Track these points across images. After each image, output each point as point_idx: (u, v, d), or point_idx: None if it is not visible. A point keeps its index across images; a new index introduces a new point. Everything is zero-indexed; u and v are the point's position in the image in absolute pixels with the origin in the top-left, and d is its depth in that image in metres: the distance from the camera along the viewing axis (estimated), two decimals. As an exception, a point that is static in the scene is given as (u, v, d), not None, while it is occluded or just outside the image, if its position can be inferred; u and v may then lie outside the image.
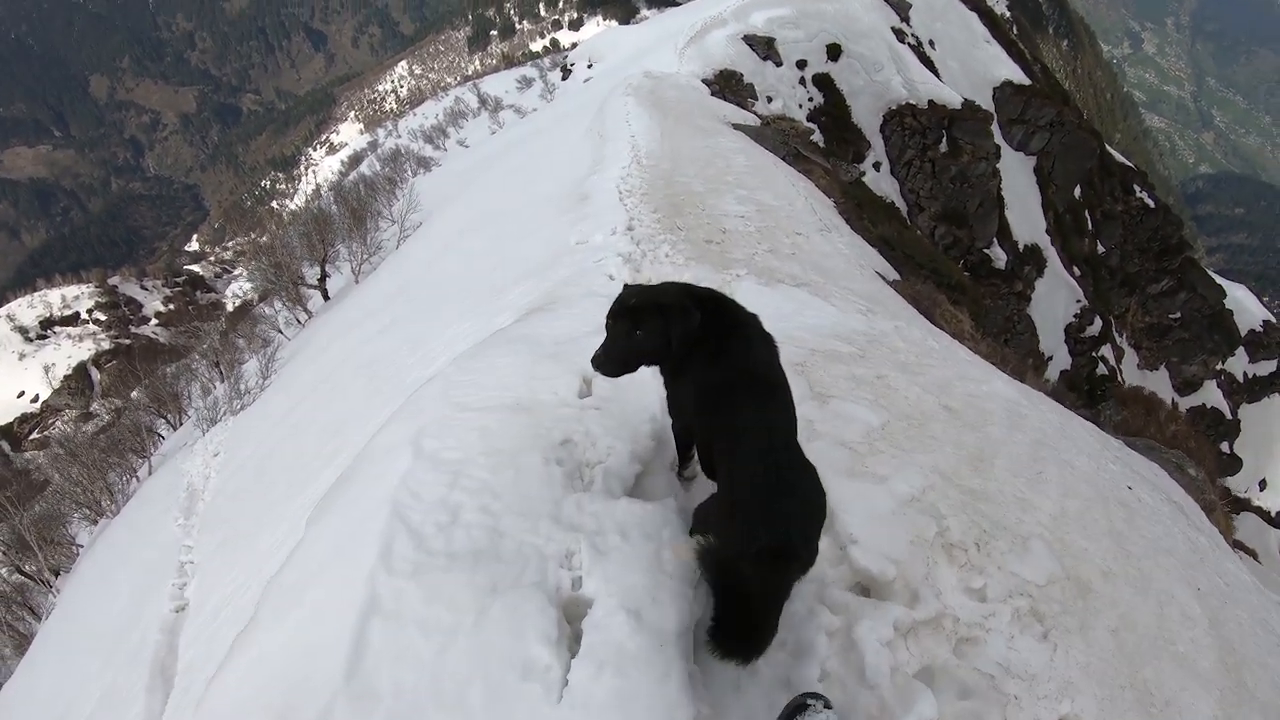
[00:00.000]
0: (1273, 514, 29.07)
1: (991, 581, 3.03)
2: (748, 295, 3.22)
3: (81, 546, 18.14)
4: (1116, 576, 3.33)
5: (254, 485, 9.41)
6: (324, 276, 23.16)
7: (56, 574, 17.64)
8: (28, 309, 61.46)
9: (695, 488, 3.36)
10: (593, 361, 2.77)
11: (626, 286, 2.91)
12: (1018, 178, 28.34)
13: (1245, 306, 42.21)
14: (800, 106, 21.95)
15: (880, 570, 2.96)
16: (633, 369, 2.83)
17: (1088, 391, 27.37)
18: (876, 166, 23.48)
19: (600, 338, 2.78)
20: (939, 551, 3.13)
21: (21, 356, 56.83)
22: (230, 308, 51.33)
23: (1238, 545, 15.29)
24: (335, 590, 2.71)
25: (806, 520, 2.45)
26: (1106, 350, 30.30)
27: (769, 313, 5.23)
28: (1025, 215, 28.21)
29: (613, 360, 2.75)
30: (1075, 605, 3.05)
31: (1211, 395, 38.43)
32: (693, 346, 2.74)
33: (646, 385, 3.57)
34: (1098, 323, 29.47)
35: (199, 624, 6.52)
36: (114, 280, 66.94)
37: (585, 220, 8.53)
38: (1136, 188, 37.28)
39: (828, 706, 2.35)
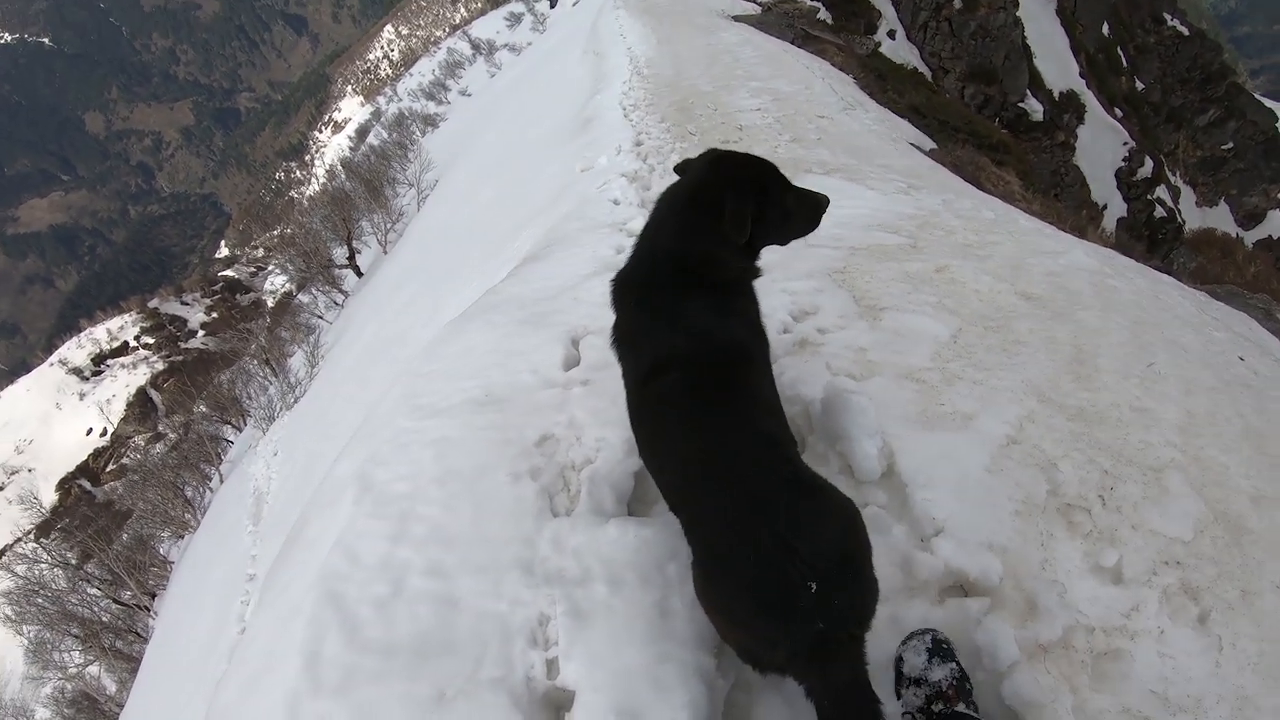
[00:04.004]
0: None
1: (1128, 551, 2.21)
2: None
3: (172, 564, 18.59)
4: (1268, 500, 2.44)
5: (304, 489, 9.17)
6: (352, 254, 23.44)
7: (153, 596, 18.11)
8: (77, 350, 62.56)
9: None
10: None
11: None
12: (1041, 23, 26.65)
13: (1302, 128, 39.69)
14: (802, -14, 20.74)
15: (981, 569, 2.14)
16: None
17: (1148, 237, 26.15)
18: (891, 35, 22.23)
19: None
20: (1054, 519, 2.30)
21: (82, 396, 58.09)
22: (271, 303, 51.66)
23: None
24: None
25: (836, 583, 1.66)
26: (1162, 191, 28.76)
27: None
28: (1055, 61, 26.59)
29: None
30: (1232, 561, 2.21)
31: (1278, 225, 36.49)
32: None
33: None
34: (1149, 163, 27.91)
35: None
36: (154, 303, 67.62)
37: (591, 145, 8.00)
38: (1167, 16, 35.28)
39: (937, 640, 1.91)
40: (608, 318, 2.33)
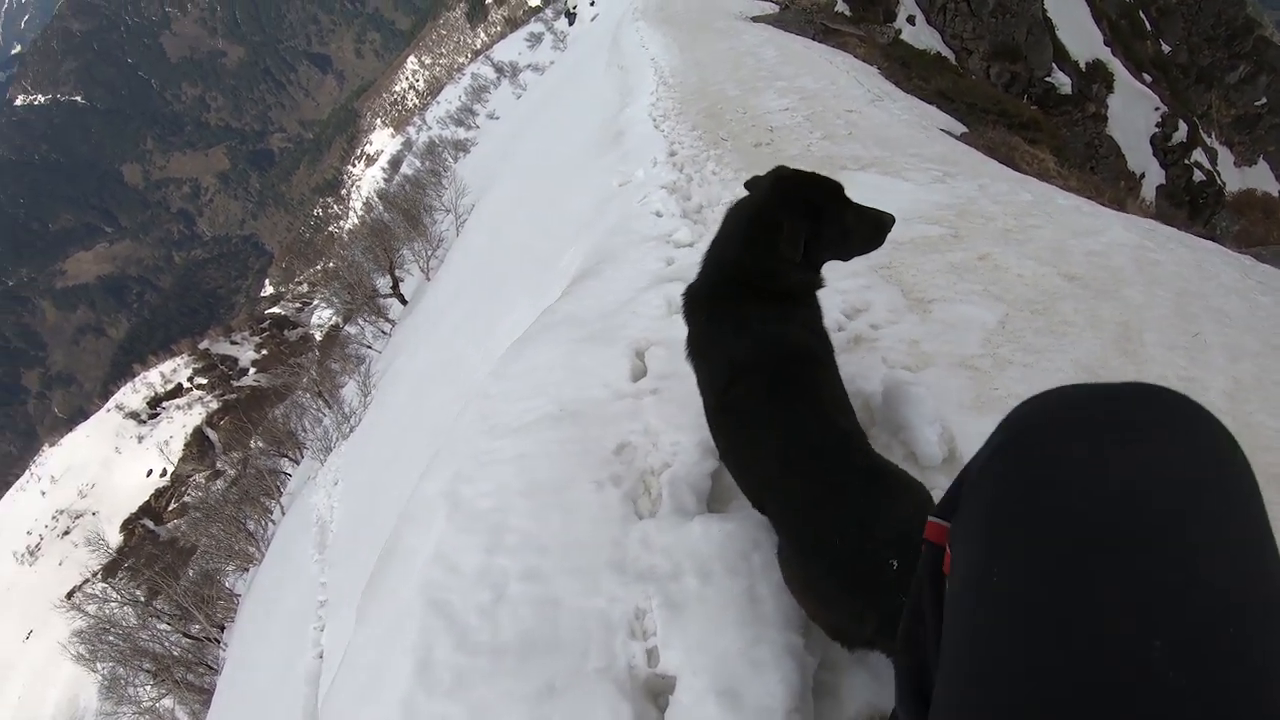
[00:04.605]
0: None
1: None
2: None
3: (239, 596, 18.94)
4: (1318, 463, 2.45)
5: (369, 514, 9.33)
6: (396, 283, 23.64)
7: (222, 628, 18.48)
8: (133, 395, 63.93)
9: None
10: None
11: None
12: (1060, -6, 26.28)
13: (1335, 78, 38.58)
14: (818, -19, 20.70)
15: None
16: None
17: (1189, 203, 25.62)
18: (911, 21, 22.11)
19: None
20: (1111, 491, 2.37)
21: (141, 439, 59.29)
22: (319, 337, 52.35)
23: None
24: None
25: (914, 558, 1.79)
26: (1199, 154, 28.15)
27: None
28: (1079, 31, 26.19)
29: None
30: (1284, 524, 2.25)
31: (1319, 180, 35.49)
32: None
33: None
34: (1183, 127, 27.35)
35: (330, 674, 6.46)
36: (204, 344, 68.84)
37: (625, 159, 8.00)
38: (1186, -28, 34.63)
39: None
40: (669, 329, 2.44)
